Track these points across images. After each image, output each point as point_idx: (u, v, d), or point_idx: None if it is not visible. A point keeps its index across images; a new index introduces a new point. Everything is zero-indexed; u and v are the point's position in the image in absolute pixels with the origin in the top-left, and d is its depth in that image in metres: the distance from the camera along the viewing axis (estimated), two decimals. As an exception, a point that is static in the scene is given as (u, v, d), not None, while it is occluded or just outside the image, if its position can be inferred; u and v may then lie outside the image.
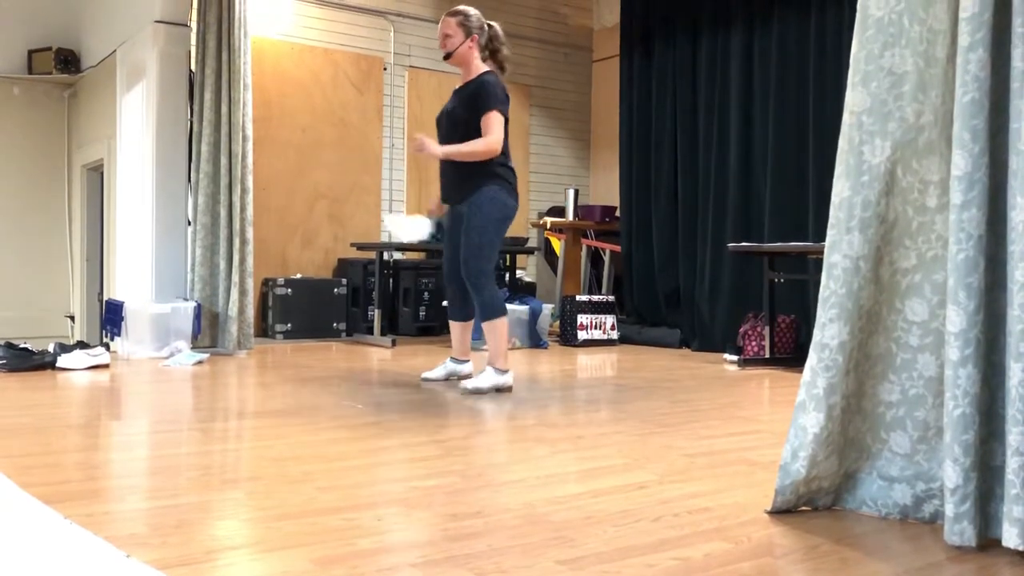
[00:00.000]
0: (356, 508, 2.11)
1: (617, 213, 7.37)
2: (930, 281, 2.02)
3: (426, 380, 4.36)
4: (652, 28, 7.02)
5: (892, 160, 2.02)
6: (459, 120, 4.09)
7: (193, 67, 5.93)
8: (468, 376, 4.28)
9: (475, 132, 4.02)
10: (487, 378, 4.01)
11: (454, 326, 4.37)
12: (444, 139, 4.14)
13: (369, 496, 2.25)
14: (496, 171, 4.07)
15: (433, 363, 5.31)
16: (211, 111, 5.75)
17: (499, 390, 4.02)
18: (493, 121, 4.01)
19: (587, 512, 2.09)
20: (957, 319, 1.84)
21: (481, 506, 2.13)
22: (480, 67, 4.16)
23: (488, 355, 4.07)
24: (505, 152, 4.10)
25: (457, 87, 4.23)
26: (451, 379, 4.35)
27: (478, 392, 3.96)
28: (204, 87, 5.76)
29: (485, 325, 4.04)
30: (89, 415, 3.57)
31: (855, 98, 2.06)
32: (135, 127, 6.32)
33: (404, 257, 7.42)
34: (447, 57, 4.19)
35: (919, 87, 2.00)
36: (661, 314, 6.89)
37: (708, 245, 6.45)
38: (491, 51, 4.22)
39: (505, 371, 4.04)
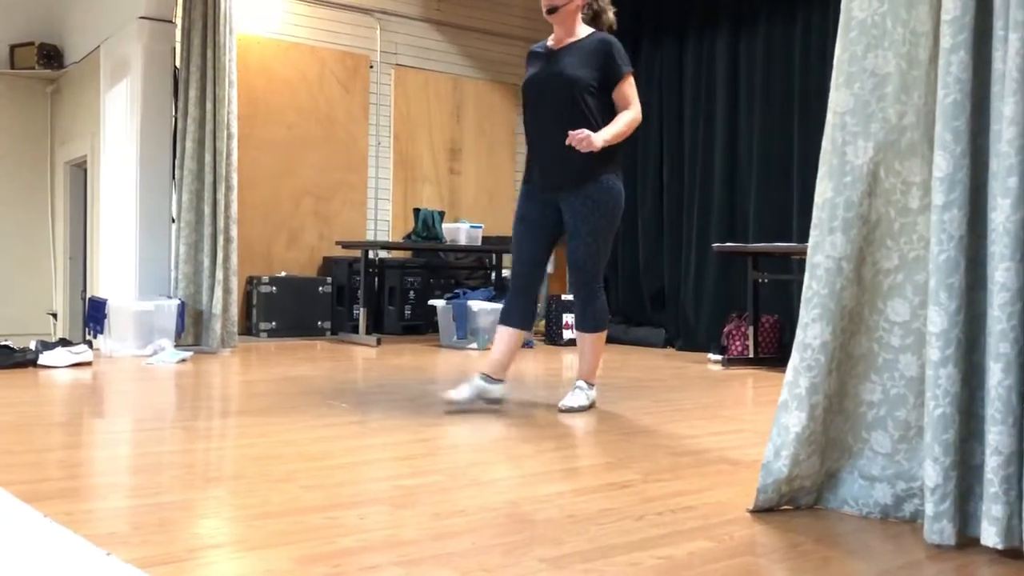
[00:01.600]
0: (339, 507, 2.10)
1: (603, 213, 7.38)
2: (912, 282, 2.03)
3: (454, 403, 3.51)
4: (639, 29, 7.03)
5: (875, 161, 2.03)
6: (583, 84, 3.42)
7: (178, 64, 5.90)
8: (498, 400, 3.61)
9: (602, 98, 3.45)
10: (583, 394, 3.60)
11: (506, 333, 3.56)
12: (555, 108, 3.46)
13: (353, 495, 2.24)
14: (616, 155, 3.51)
15: (421, 363, 5.32)
16: (196, 108, 5.72)
17: (592, 407, 3.63)
18: (633, 88, 3.48)
19: (570, 511, 2.10)
20: (938, 319, 1.85)
21: (465, 505, 2.13)
22: (585, 27, 3.56)
23: (583, 369, 3.63)
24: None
25: (552, 48, 3.57)
26: (479, 401, 3.55)
27: (581, 409, 3.55)
28: (189, 84, 5.73)
29: (591, 337, 3.58)
30: (71, 413, 3.54)
31: (838, 99, 2.07)
32: (119, 124, 6.28)
33: (390, 256, 7.41)
34: (551, 12, 3.50)
35: (902, 88, 2.01)
36: (646, 314, 6.91)
37: (693, 245, 6.47)
38: (595, 12, 3.61)
39: (593, 385, 3.67)
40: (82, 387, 4.15)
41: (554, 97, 3.48)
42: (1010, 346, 1.75)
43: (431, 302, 6.56)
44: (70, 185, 7.75)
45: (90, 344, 5.12)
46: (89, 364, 4.78)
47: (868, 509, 2.08)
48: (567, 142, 3.30)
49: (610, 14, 3.66)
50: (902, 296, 2.04)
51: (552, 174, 3.52)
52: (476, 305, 6.13)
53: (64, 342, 4.93)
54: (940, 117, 1.86)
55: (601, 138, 3.32)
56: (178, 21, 5.90)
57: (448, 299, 6.40)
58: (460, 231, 6.71)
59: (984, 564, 1.77)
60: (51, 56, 7.49)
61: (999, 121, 1.81)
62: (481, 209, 7.93)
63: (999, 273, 1.77)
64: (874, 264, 2.07)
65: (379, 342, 6.28)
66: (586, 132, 3.28)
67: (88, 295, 6.63)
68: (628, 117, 3.43)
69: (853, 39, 2.06)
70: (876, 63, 2.03)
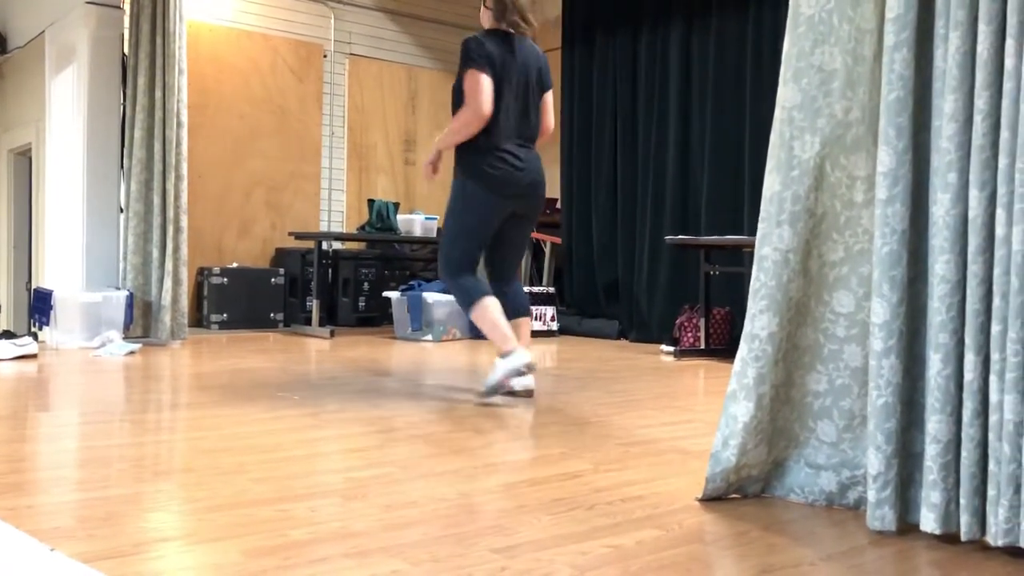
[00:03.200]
0: (290, 499, 2.09)
1: (558, 205, 7.42)
2: (856, 274, 2.07)
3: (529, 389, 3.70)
4: (593, 21, 7.06)
5: (821, 156, 2.07)
6: (456, 93, 3.69)
7: (126, 51, 5.79)
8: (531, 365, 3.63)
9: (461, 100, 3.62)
10: (498, 370, 3.57)
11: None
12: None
13: (304, 487, 2.23)
14: (465, 157, 3.64)
15: (375, 355, 5.29)
16: (145, 96, 5.63)
17: (521, 373, 3.55)
18: (468, 81, 3.53)
19: (522, 501, 2.11)
20: (881, 311, 1.90)
21: (417, 496, 2.14)
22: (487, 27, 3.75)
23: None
24: (490, 129, 3.56)
25: None
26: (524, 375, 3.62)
27: (493, 389, 3.57)
28: (138, 72, 5.63)
29: (471, 317, 3.69)
30: (15, 406, 3.47)
31: (786, 94, 2.10)
32: (65, 111, 6.15)
33: (344, 247, 7.36)
34: None
35: (847, 84, 2.05)
36: (600, 306, 6.96)
37: (646, 238, 6.52)
38: (498, 10, 3.69)
39: (507, 353, 3.55)
40: (27, 380, 4.06)
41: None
42: (949, 337, 1.80)
43: (386, 294, 6.54)
44: (14, 173, 7.57)
45: (35, 336, 5.01)
46: (34, 357, 4.68)
47: (814, 497, 2.12)
48: (427, 175, 3.95)
49: (512, 16, 3.68)
50: (847, 288, 2.08)
51: None
52: (431, 297, 6.11)
53: (8, 334, 4.82)
54: (884, 113, 1.90)
55: (436, 147, 3.82)
56: (126, 7, 5.79)
57: (403, 291, 6.38)
58: (415, 222, 6.69)
59: (923, 549, 1.82)
60: (-6, 41, 7.31)
61: (940, 117, 1.85)
62: (436, 200, 7.90)
63: (939, 266, 1.82)
64: (820, 257, 2.11)
65: (333, 334, 6.24)
66: (428, 164, 3.88)
67: (33, 286, 6.49)
68: (456, 119, 3.63)
69: (801, 35, 2.09)
70: (823, 59, 2.07)
